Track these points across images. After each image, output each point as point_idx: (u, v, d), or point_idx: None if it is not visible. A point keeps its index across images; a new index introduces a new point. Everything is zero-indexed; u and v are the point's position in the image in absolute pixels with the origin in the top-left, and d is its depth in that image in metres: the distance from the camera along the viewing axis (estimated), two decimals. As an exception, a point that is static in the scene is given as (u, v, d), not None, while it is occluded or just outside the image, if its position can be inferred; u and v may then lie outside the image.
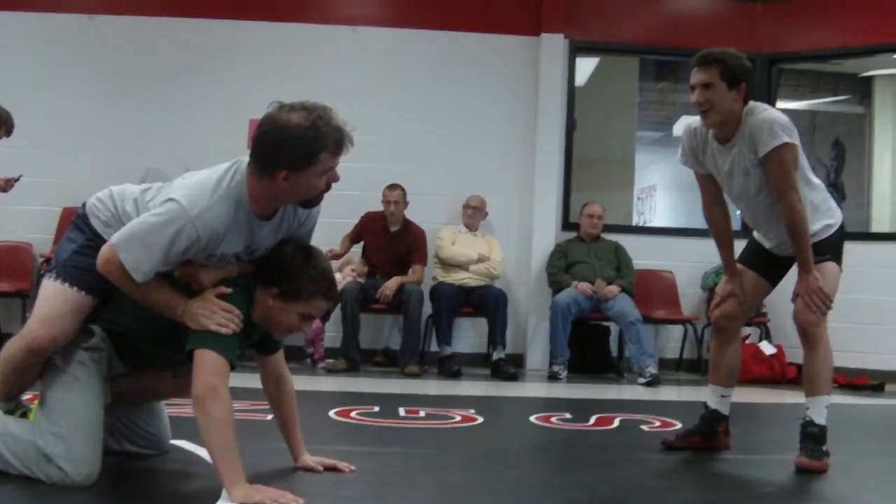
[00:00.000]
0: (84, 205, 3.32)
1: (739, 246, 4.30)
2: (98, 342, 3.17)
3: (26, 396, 3.57)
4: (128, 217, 3.16)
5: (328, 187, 3.09)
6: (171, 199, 2.97)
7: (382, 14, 8.89)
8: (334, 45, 8.67)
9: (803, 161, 4.01)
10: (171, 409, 3.76)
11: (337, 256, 7.82)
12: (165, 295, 3.04)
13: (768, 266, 4.24)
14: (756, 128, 3.87)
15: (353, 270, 7.84)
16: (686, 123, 4.19)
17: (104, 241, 3.10)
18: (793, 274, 4.05)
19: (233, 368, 3.01)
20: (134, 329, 3.20)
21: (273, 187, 3.02)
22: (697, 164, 4.18)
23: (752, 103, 3.97)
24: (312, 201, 3.17)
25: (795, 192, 3.86)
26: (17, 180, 6.73)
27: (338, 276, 7.25)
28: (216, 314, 2.99)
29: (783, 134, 3.83)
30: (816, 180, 4.12)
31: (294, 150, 2.95)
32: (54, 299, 3.15)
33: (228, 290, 3.07)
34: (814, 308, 3.89)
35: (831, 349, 4.00)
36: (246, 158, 3.07)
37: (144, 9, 8.52)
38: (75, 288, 3.15)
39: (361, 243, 8.25)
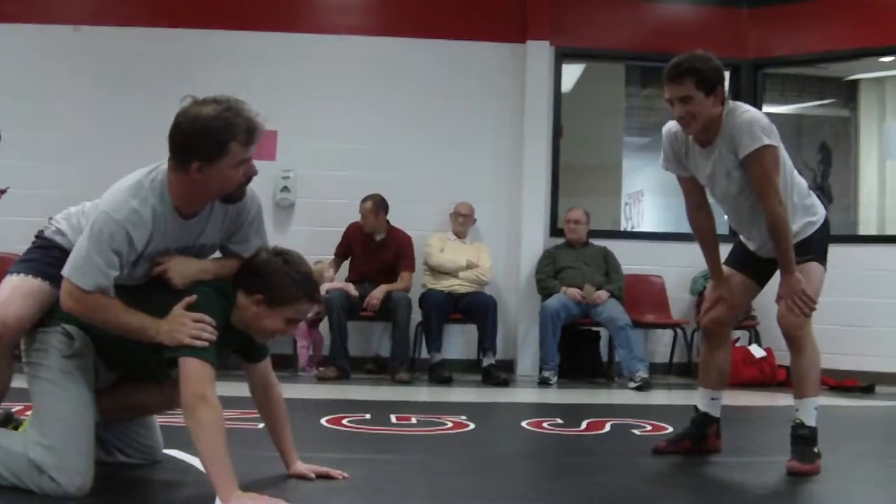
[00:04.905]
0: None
1: (725, 250, 4.28)
2: (80, 347, 3.16)
3: (17, 408, 3.55)
4: (73, 216, 3.34)
5: (247, 180, 3.14)
6: (99, 212, 3.04)
7: (368, 23, 8.89)
8: (321, 54, 8.68)
9: (787, 161, 3.98)
10: (162, 418, 3.75)
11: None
12: (136, 318, 3.05)
13: (755, 267, 4.21)
14: (736, 130, 3.83)
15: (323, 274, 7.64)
16: (666, 127, 4.13)
17: (50, 240, 3.32)
18: (778, 276, 4.00)
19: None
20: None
21: (189, 181, 3.05)
22: (680, 167, 4.14)
23: (731, 104, 3.91)
24: (233, 196, 3.18)
25: (776, 194, 3.82)
26: (3, 192, 6.67)
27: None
28: (186, 326, 3.01)
29: (763, 136, 3.79)
30: (799, 179, 4.09)
31: (204, 141, 2.99)
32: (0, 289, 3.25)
33: (193, 299, 3.07)
34: (797, 311, 3.88)
35: (818, 350, 3.98)
36: (167, 162, 3.11)
37: (131, 20, 8.51)
38: (20, 274, 3.26)
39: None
